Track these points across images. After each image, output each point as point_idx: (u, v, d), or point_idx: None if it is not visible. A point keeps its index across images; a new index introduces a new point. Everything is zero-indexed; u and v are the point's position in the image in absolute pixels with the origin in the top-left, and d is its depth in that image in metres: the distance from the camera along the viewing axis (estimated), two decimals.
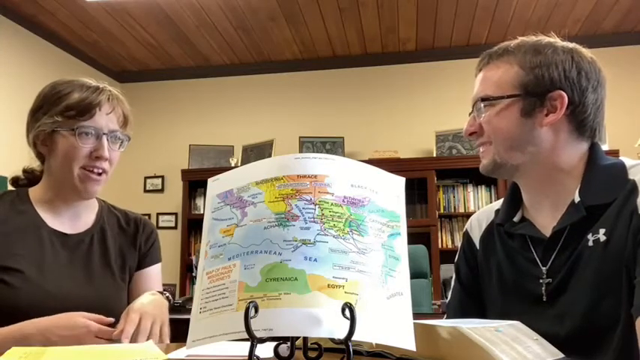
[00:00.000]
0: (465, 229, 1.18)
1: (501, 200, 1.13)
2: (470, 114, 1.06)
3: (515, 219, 1.05)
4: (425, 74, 4.52)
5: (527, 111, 0.97)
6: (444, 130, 4.22)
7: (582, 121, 0.97)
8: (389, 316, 0.62)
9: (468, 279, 1.13)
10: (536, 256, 0.99)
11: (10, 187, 1.30)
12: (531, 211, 1.04)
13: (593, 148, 1.01)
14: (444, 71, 4.48)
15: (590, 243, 0.91)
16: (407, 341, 0.61)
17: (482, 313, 1.09)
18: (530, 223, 1.03)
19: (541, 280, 0.96)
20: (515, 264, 1.02)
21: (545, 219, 1.00)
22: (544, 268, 0.97)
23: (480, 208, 4.26)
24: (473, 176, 4.08)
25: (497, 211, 1.11)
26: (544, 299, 0.96)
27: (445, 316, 1.16)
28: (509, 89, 0.99)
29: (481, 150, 1.04)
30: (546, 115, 0.96)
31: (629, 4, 3.77)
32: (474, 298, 1.12)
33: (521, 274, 1.01)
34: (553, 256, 0.96)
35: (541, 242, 0.99)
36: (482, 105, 1.01)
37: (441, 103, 4.40)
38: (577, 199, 0.94)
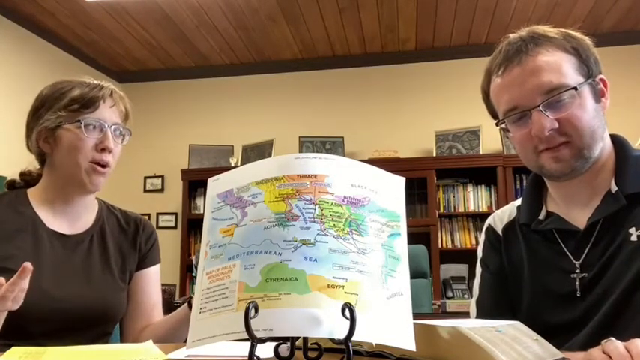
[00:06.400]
0: (486, 225, 1.14)
1: (520, 199, 1.10)
2: (533, 109, 0.92)
3: (541, 216, 1.02)
4: (425, 74, 4.52)
5: (596, 95, 0.94)
6: (444, 129, 4.22)
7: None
8: (389, 316, 0.62)
9: (500, 267, 1.08)
10: (566, 249, 0.96)
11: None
12: (561, 206, 1.01)
13: (619, 140, 0.99)
14: (443, 71, 4.48)
15: (634, 237, 0.89)
16: (407, 341, 0.61)
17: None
18: (559, 217, 0.99)
19: (574, 275, 0.94)
20: (542, 260, 0.99)
21: (578, 212, 0.97)
22: (577, 262, 0.94)
23: (480, 207, 4.22)
24: (473, 176, 4.08)
25: (518, 208, 1.08)
26: (577, 294, 0.93)
27: (475, 314, 1.10)
28: (576, 76, 0.93)
29: (555, 153, 0.93)
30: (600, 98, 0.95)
31: (629, 3, 3.77)
32: (507, 284, 1.07)
33: (548, 269, 0.98)
34: (587, 249, 0.93)
35: (573, 235, 0.96)
36: (565, 97, 0.90)
37: (441, 103, 4.40)
38: (614, 188, 0.92)
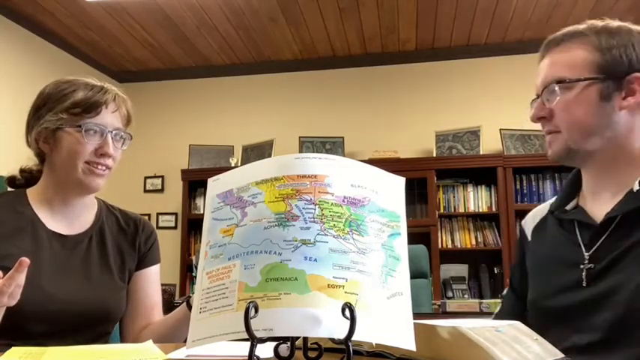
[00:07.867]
0: (522, 223, 1.19)
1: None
2: (535, 100, 1.03)
3: (569, 207, 1.05)
4: (425, 74, 4.52)
5: (607, 94, 0.95)
6: (444, 130, 4.22)
7: None
8: (389, 316, 0.62)
9: (520, 283, 1.13)
10: (581, 241, 0.98)
11: (8, 188, 1.29)
12: (588, 200, 1.03)
13: None
14: (443, 71, 4.48)
15: None
16: (407, 341, 0.61)
17: None
18: (583, 210, 1.02)
19: (581, 266, 0.95)
20: (559, 248, 1.02)
21: (601, 207, 0.99)
22: (587, 254, 0.96)
23: (480, 208, 4.20)
24: (473, 176, 4.08)
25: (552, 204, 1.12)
26: (584, 284, 0.94)
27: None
28: (586, 71, 0.96)
29: (548, 138, 1.02)
30: (624, 98, 0.95)
31: (629, 3, 3.77)
32: (525, 301, 1.10)
33: (561, 257, 1.01)
34: (599, 243, 0.95)
35: (590, 228, 0.98)
36: (556, 88, 0.97)
37: (441, 103, 4.40)
38: (636, 187, 0.93)
